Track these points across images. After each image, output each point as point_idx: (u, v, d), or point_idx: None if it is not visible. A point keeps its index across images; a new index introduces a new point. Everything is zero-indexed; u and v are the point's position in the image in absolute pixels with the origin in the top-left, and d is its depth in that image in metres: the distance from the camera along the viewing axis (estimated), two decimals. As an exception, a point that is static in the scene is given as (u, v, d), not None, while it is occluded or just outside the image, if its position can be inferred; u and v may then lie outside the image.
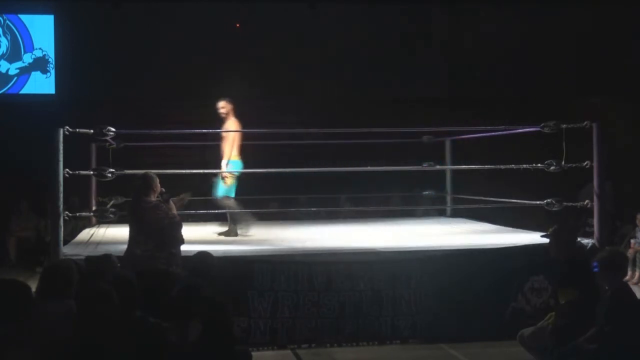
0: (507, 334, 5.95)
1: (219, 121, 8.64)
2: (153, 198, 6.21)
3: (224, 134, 8.31)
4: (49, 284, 4.55)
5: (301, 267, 6.57)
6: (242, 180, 8.57)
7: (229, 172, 8.27)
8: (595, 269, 4.96)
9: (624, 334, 4.69)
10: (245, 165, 8.67)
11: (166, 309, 4.60)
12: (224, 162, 8.28)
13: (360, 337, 6.59)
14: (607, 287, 4.96)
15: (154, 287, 5.34)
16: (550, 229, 5.86)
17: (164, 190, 6.34)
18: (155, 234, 6.02)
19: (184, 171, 8.38)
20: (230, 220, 8.44)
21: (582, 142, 7.24)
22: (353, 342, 6.56)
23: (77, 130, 6.75)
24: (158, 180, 6.32)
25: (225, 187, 8.35)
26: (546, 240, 5.97)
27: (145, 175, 6.35)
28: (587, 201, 7.29)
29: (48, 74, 13.21)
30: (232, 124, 8.40)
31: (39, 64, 13.21)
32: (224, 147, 8.30)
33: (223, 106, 8.47)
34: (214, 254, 6.53)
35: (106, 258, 5.55)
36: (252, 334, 6.42)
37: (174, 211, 6.33)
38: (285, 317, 6.50)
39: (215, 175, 8.46)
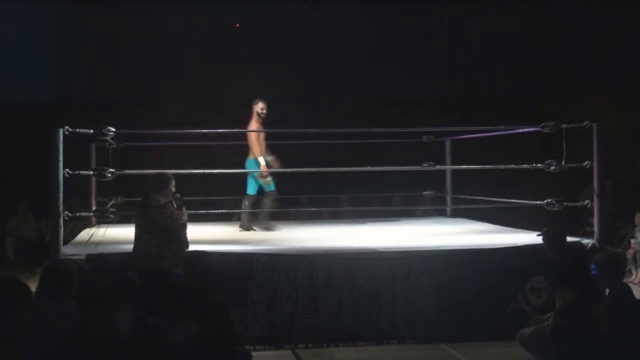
0: (507, 334, 5.95)
1: (220, 121, 8.70)
2: (163, 198, 6.16)
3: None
4: (49, 284, 4.55)
5: (300, 261, 6.58)
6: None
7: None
8: (594, 272, 4.96)
9: (624, 334, 4.69)
10: (246, 166, 8.72)
11: (166, 309, 4.60)
12: (262, 160, 8.57)
13: (359, 336, 6.59)
14: (606, 289, 4.96)
15: (156, 287, 5.35)
16: (544, 229, 5.85)
17: (178, 195, 6.27)
18: (160, 234, 6.02)
19: (184, 171, 8.38)
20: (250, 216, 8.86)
21: (583, 142, 7.23)
22: (352, 341, 6.56)
23: (77, 130, 6.74)
24: (173, 182, 6.26)
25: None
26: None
27: (158, 175, 6.32)
28: (587, 201, 7.29)
29: (48, 74, 13.20)
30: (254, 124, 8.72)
31: (39, 64, 13.20)
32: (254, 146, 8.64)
33: (264, 107, 8.71)
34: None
35: (100, 258, 5.56)
36: (251, 327, 6.43)
37: (185, 216, 6.26)
38: (284, 312, 6.51)
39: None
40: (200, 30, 13.24)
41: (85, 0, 13.15)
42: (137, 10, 13.24)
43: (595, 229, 7.06)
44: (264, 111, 8.70)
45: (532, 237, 7.54)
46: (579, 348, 4.84)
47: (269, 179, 8.69)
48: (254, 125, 8.70)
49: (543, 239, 5.78)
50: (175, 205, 6.19)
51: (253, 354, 5.32)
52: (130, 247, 7.09)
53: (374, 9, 13.73)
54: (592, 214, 7.27)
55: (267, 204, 8.76)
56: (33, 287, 4.66)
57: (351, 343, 6.54)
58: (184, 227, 6.19)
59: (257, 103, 8.71)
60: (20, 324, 4.01)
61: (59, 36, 13.20)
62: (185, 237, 6.20)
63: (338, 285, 6.59)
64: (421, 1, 14.06)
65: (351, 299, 6.60)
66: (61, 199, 6.45)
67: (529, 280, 6.80)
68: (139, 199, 6.37)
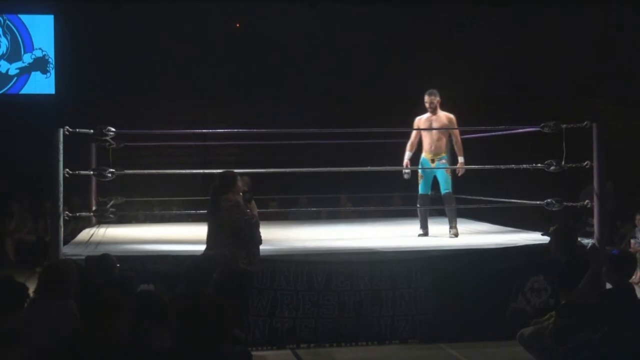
0: (507, 334, 5.95)
1: (220, 121, 8.67)
2: (232, 196, 6.04)
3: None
4: (48, 284, 4.54)
5: (301, 266, 6.57)
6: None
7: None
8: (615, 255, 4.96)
9: (625, 334, 4.69)
10: (246, 165, 8.68)
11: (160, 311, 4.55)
12: (461, 159, 8.31)
13: (359, 337, 6.59)
14: (610, 286, 4.95)
15: (232, 287, 5.51)
16: (551, 228, 5.85)
17: (246, 189, 6.19)
18: (234, 234, 5.92)
19: (185, 171, 8.38)
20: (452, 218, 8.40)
21: (582, 142, 7.23)
22: (353, 342, 6.56)
23: (77, 130, 6.74)
24: (239, 178, 6.15)
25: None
26: (546, 240, 5.96)
27: (223, 174, 6.20)
28: (587, 201, 7.29)
29: (48, 74, 13.22)
30: (443, 118, 8.38)
31: (39, 64, 13.22)
32: (458, 144, 8.38)
33: (428, 100, 8.39)
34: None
35: (104, 258, 5.55)
36: (251, 333, 6.42)
37: (255, 211, 6.15)
38: (284, 317, 6.50)
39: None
40: (200, 30, 13.24)
41: (85, 0, 13.16)
42: (137, 9, 13.24)
43: (595, 229, 7.04)
44: (427, 105, 8.39)
45: (532, 237, 7.56)
46: (579, 348, 4.84)
47: (406, 177, 8.40)
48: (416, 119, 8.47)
49: (550, 238, 5.75)
50: (244, 198, 6.08)
51: (253, 353, 5.33)
52: (131, 247, 7.09)
53: (374, 8, 13.74)
54: (592, 214, 7.26)
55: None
56: (33, 288, 4.66)
57: (352, 343, 6.55)
58: (257, 225, 6.09)
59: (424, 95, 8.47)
60: (20, 324, 4.01)
61: (59, 36, 13.20)
62: (259, 234, 6.12)
63: (339, 290, 6.57)
64: (421, 2, 14.07)
65: (352, 302, 6.58)
66: (61, 199, 6.44)
67: (529, 280, 6.79)
68: (209, 199, 6.25)
